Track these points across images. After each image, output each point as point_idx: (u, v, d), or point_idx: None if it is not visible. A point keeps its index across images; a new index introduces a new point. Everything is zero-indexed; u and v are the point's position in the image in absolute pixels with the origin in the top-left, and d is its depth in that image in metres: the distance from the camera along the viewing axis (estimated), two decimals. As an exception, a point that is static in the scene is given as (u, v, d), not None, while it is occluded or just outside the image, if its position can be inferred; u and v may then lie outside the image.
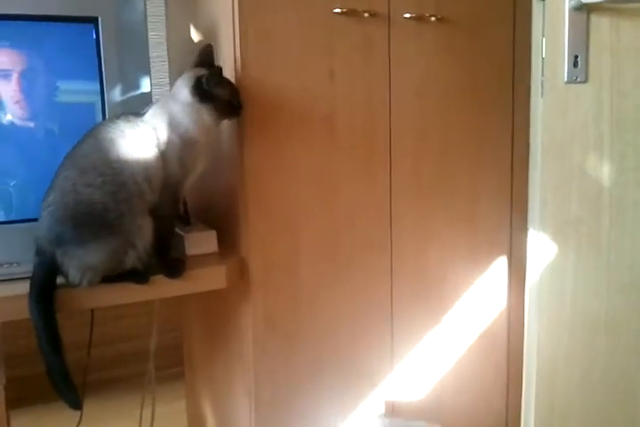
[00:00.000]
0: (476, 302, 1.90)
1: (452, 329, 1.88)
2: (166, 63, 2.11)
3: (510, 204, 1.89)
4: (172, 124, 1.52)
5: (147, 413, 2.19)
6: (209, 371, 2.06)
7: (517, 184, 1.88)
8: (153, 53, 2.10)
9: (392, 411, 1.83)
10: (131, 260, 1.48)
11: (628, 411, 1.64)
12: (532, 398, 1.64)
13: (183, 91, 1.54)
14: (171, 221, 1.58)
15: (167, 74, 2.10)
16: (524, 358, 1.66)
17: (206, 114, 1.54)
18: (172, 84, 1.90)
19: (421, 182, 1.81)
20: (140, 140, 1.49)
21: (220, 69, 1.55)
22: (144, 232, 1.49)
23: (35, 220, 1.47)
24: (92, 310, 1.96)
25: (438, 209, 1.83)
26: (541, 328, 1.63)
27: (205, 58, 1.60)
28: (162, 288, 1.56)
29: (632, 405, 1.64)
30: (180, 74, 1.61)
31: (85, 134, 1.48)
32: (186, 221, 1.81)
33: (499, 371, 1.95)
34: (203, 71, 1.55)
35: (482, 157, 1.86)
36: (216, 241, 1.71)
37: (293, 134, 1.65)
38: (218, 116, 1.56)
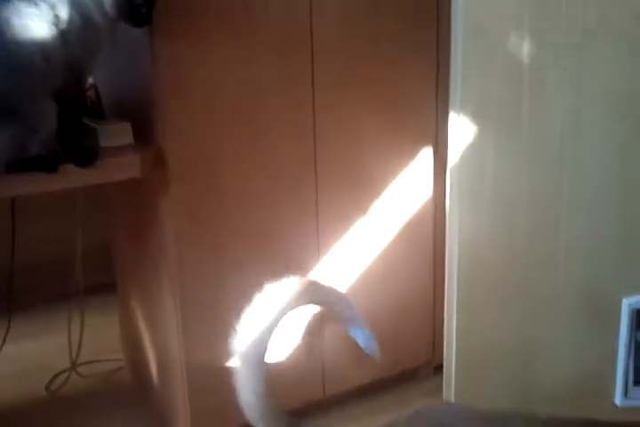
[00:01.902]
0: (402, 191, 1.90)
1: (378, 218, 1.88)
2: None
3: (436, 90, 1.87)
4: (75, 2, 1.42)
5: (78, 326, 2.15)
6: (138, 275, 2.03)
7: (443, 69, 1.85)
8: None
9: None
10: (35, 146, 1.41)
11: (548, 282, 1.69)
12: (455, 275, 1.66)
13: None
14: (77, 107, 1.51)
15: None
16: (447, 238, 1.67)
17: (110, 7, 1.45)
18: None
19: (346, 71, 1.76)
20: (36, 19, 1.38)
21: None
22: (47, 117, 1.41)
23: None
24: (12, 205, 1.91)
25: (363, 98, 1.80)
26: (462, 209, 1.64)
27: None
28: (73, 177, 1.50)
29: (552, 276, 1.68)
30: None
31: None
32: (99, 114, 1.73)
33: (425, 256, 1.97)
34: None
35: (406, 42, 1.82)
36: (131, 132, 1.65)
37: (210, 23, 1.57)
38: (119, 17, 1.46)
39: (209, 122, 1.64)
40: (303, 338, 1.86)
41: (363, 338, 1.06)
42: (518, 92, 1.59)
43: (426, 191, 1.93)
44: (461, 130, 1.60)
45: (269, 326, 0.98)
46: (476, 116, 1.60)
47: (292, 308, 0.99)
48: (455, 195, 1.66)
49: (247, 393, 0.97)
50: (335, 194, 1.82)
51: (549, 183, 1.63)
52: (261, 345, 0.98)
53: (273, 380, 1.80)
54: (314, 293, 1.02)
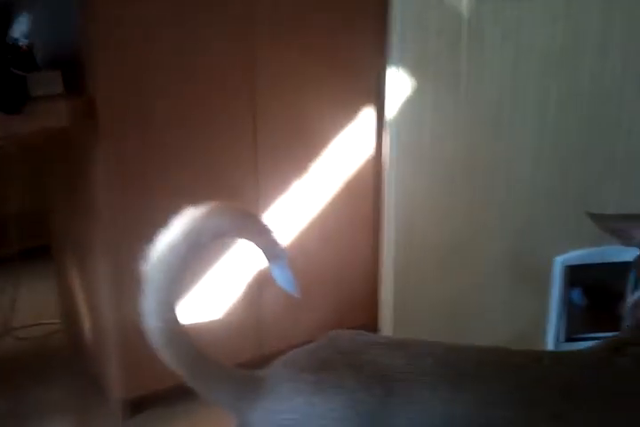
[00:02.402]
0: (344, 148, 1.88)
1: (319, 175, 1.86)
2: None
3: (380, 45, 1.83)
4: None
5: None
6: (73, 236, 1.98)
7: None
8: None
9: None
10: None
11: (483, 241, 1.70)
12: (392, 235, 1.66)
13: None
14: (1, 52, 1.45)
15: None
16: (385, 196, 1.66)
17: None
18: None
19: (289, 25, 1.72)
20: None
21: None
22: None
23: None
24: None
25: (305, 52, 1.75)
26: (400, 165, 1.64)
27: None
28: (-1, 124, 1.45)
29: (487, 236, 1.70)
30: None
31: None
32: (32, 65, 1.68)
33: (366, 215, 1.94)
34: None
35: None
36: (61, 81, 1.59)
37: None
38: None
39: (142, 71, 1.59)
40: (242, 295, 1.84)
41: (283, 277, 1.03)
42: (456, 46, 1.59)
43: (368, 149, 1.91)
44: (400, 85, 1.60)
45: (177, 250, 0.92)
46: (415, 70, 1.59)
47: (204, 232, 0.93)
48: (394, 151, 1.65)
49: (153, 320, 0.92)
50: (275, 151, 1.79)
51: (487, 139, 1.64)
52: (168, 269, 0.92)
53: (210, 336, 1.80)
54: (226, 218, 0.97)
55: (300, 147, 1.82)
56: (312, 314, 1.95)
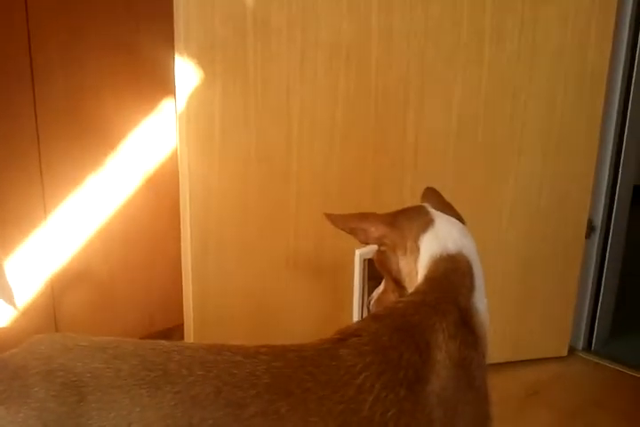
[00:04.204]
0: (143, 142, 1.80)
1: (117, 171, 1.78)
2: None
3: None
4: None
5: None
6: None
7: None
8: None
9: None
10: None
11: (281, 235, 1.66)
12: (188, 230, 1.59)
13: None
14: None
15: None
16: (180, 190, 1.60)
17: None
18: None
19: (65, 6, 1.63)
20: None
21: None
22: None
23: None
24: None
25: (90, 33, 1.66)
26: (192, 158, 1.57)
27: None
28: None
29: (285, 228, 1.65)
30: None
31: None
32: None
33: (173, 210, 1.86)
34: None
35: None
36: None
37: None
38: None
39: None
40: (35, 299, 1.73)
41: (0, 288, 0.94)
42: (243, 35, 1.53)
43: (169, 141, 1.84)
44: (188, 74, 1.53)
45: None
46: (201, 58, 1.52)
47: None
48: (184, 143, 1.58)
49: None
50: (63, 147, 1.69)
51: (278, 132, 1.59)
52: None
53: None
54: None
55: (93, 140, 1.73)
56: (119, 317, 1.86)
